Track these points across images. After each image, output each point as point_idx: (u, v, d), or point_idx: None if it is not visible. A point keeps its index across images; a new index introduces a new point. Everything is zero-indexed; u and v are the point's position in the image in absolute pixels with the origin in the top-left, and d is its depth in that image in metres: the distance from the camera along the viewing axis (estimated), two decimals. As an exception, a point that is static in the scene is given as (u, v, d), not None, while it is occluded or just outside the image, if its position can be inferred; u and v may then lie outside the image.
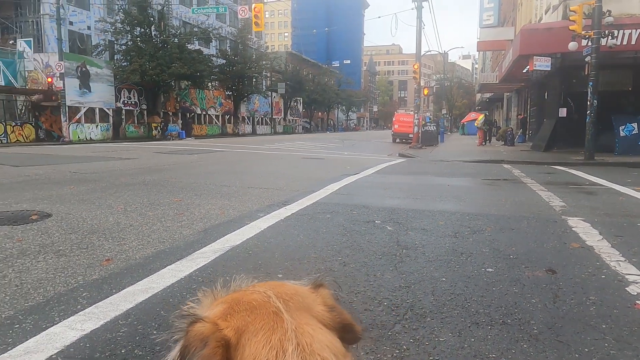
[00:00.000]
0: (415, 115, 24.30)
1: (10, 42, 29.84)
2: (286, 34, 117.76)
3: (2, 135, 25.78)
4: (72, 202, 6.14)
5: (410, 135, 26.11)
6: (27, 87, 28.15)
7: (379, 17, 40.55)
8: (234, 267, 3.54)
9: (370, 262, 3.70)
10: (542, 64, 17.22)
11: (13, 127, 26.80)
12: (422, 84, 27.47)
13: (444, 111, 57.75)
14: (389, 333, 2.47)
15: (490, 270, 3.54)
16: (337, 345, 0.67)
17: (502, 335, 2.45)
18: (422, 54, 25.49)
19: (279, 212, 5.63)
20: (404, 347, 2.32)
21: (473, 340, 2.40)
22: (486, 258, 3.85)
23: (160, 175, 9.43)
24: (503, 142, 26.50)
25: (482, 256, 3.91)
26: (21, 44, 29.02)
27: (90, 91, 30.08)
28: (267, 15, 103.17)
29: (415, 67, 23.67)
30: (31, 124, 28.48)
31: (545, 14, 21.60)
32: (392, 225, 5.05)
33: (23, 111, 29.61)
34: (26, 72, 28.37)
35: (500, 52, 37.11)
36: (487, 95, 49.56)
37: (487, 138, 28.22)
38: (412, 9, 23.94)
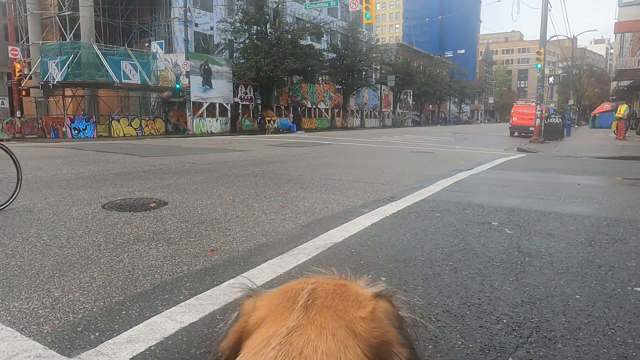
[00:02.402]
0: (538, 106, 22.28)
1: (146, 45, 33.17)
2: (397, 26, 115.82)
3: (138, 129, 28.91)
4: (187, 191, 6.49)
5: (531, 129, 24.08)
6: (159, 85, 31.13)
7: (498, 1, 37.80)
8: (334, 265, 3.35)
9: (485, 269, 3.28)
10: (701, 43, 14.60)
11: (147, 121, 29.98)
12: (545, 72, 25.10)
13: (571, 102, 52.42)
14: (510, 359, 2.09)
15: (639, 289, 2.92)
16: (343, 358, 0.58)
17: (661, 378, 1.94)
18: (547, 39, 23.23)
19: (385, 209, 5.36)
20: (530, 379, 1.93)
21: (621, 380, 1.93)
22: (633, 274, 3.21)
23: (268, 167, 9.68)
24: (645, 136, 23.20)
25: (627, 271, 3.26)
26: (154, 46, 32.12)
27: (211, 87, 32.35)
28: (378, 8, 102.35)
29: (540, 51, 21.64)
30: (161, 118, 31.59)
31: None
32: (512, 228, 4.51)
33: (155, 107, 32.95)
34: (158, 71, 31.34)
35: (643, 33, 32.60)
36: (625, 83, 43.83)
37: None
38: (538, -11, 21.92)
